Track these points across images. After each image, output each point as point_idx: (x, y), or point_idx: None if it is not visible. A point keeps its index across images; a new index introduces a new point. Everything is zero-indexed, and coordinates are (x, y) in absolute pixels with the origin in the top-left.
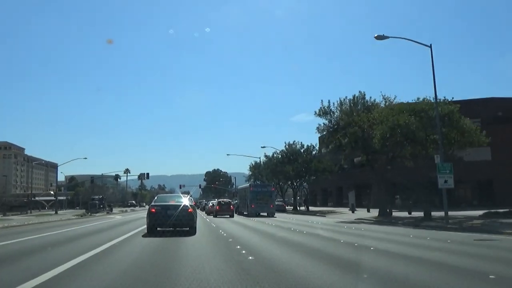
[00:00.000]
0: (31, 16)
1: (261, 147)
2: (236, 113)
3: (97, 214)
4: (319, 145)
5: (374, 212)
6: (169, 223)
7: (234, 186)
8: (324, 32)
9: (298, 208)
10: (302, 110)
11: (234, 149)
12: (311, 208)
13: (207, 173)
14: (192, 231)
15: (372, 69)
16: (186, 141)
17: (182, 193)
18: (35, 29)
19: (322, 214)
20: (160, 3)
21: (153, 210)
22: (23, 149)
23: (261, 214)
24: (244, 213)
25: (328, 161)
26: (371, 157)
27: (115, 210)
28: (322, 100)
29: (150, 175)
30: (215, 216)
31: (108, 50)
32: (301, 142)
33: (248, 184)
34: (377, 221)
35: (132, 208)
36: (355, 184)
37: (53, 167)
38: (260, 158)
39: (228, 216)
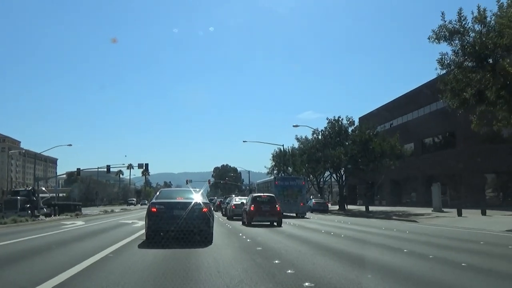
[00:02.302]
0: (35, 14)
1: (293, 126)
2: (242, 110)
3: (39, 219)
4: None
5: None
6: (176, 226)
7: (245, 182)
8: (327, 29)
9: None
10: (309, 107)
11: (240, 146)
12: (354, 207)
13: (216, 169)
14: (206, 239)
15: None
16: (193, 138)
17: None
18: (39, 26)
19: (402, 217)
20: (164, 2)
21: (154, 209)
22: (19, 142)
23: (285, 214)
24: None
25: (396, 140)
26: None
27: (95, 210)
28: (443, 13)
29: (156, 172)
30: (247, 223)
31: (112, 49)
32: (351, 117)
33: (273, 177)
34: None
35: (125, 207)
36: (425, 175)
37: (53, 162)
38: (283, 145)
39: (270, 222)
